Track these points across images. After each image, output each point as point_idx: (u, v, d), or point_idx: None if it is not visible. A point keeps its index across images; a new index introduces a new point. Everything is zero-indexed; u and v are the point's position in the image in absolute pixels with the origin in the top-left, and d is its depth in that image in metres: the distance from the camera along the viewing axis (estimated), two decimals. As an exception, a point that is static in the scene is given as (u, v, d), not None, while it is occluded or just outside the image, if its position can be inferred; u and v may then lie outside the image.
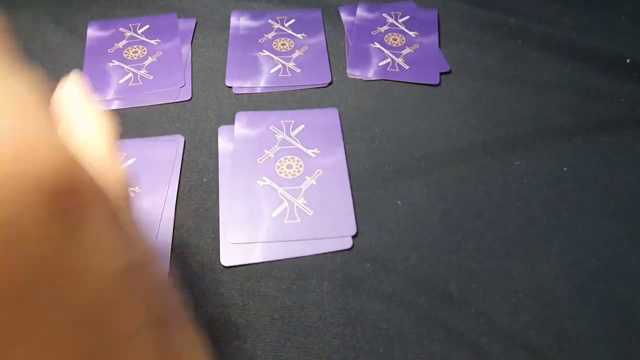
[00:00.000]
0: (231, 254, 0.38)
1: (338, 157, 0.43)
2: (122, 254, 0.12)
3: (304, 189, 0.41)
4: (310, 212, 0.39)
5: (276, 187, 0.41)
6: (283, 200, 0.40)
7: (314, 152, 0.43)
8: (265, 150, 0.43)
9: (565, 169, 0.43)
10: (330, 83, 0.49)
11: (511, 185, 0.42)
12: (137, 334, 0.12)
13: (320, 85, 0.49)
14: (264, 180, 0.41)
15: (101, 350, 0.11)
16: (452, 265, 0.37)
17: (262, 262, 0.37)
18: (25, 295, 0.10)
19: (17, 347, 0.10)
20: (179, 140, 0.45)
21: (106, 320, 0.11)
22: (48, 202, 0.10)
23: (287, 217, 0.39)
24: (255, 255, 0.38)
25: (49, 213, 0.10)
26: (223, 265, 0.37)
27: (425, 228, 0.39)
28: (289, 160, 0.42)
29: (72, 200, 0.11)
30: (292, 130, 0.45)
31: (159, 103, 0.48)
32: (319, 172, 0.42)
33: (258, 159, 0.43)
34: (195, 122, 0.46)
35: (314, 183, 0.41)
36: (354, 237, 0.38)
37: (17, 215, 0.10)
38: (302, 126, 0.45)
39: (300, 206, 0.40)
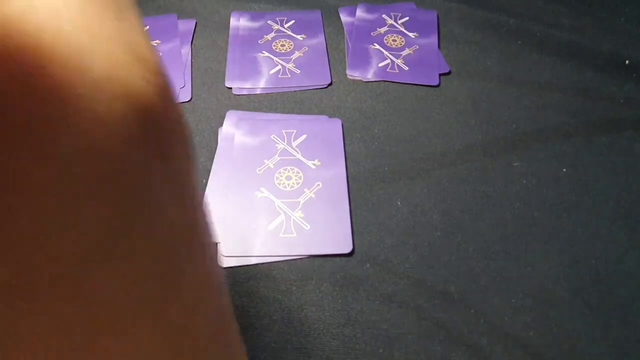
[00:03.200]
0: (228, 255, 0.38)
1: (338, 170, 0.42)
2: (198, 205, 0.13)
3: (302, 202, 0.40)
4: (307, 227, 0.39)
5: (274, 199, 0.40)
6: (280, 213, 0.39)
7: (314, 164, 0.42)
8: (265, 160, 0.43)
9: (564, 169, 0.43)
10: (330, 84, 0.49)
11: (511, 186, 0.42)
12: (205, 293, 0.13)
13: (320, 87, 0.49)
14: (262, 192, 0.41)
15: (174, 298, 0.12)
16: (452, 265, 0.37)
17: (262, 264, 0.37)
18: (122, 230, 0.10)
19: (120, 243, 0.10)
20: (179, 141, 0.45)
21: (183, 268, 0.12)
22: (147, 127, 0.11)
23: (283, 230, 0.39)
24: (253, 258, 0.37)
25: (147, 140, 0.11)
26: (222, 267, 0.37)
27: (425, 228, 0.39)
28: (289, 171, 0.42)
29: (166, 130, 0.11)
30: (293, 141, 0.44)
31: (158, 104, 0.48)
32: (318, 185, 0.41)
33: (257, 169, 0.42)
34: (194, 123, 0.46)
35: (313, 196, 0.40)
36: (348, 254, 0.38)
37: (116, 137, 0.10)
38: (304, 136, 0.44)
39: (297, 220, 0.39)
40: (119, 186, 0.10)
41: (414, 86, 0.49)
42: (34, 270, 0.09)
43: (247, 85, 0.49)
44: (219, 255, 0.15)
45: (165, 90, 0.11)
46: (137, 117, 0.10)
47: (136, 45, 0.11)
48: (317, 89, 0.49)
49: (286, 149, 0.44)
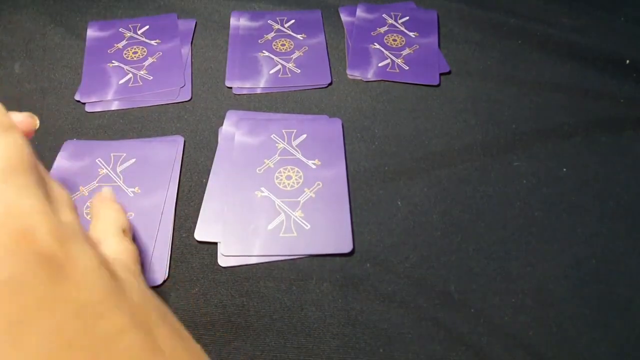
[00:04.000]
0: (228, 254, 0.38)
1: (339, 170, 0.42)
2: (96, 280, 0.16)
3: (302, 202, 0.40)
4: (307, 226, 0.39)
5: (274, 198, 0.40)
6: (280, 212, 0.39)
7: (314, 164, 0.42)
8: (265, 160, 0.43)
9: (564, 169, 0.43)
10: (330, 84, 0.49)
11: (511, 186, 0.42)
12: (123, 333, 0.15)
13: (320, 86, 0.49)
14: (262, 191, 0.41)
15: (92, 348, 0.14)
16: (452, 265, 0.37)
17: (262, 263, 0.37)
18: (32, 314, 0.14)
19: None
20: (179, 140, 0.45)
21: (91, 322, 0.14)
22: (37, 259, 0.15)
23: (283, 230, 0.38)
24: (253, 258, 0.37)
25: (39, 265, 0.14)
26: (221, 266, 0.37)
27: (425, 228, 0.39)
28: (289, 171, 0.42)
29: (56, 255, 0.15)
30: (293, 140, 0.44)
31: (158, 104, 0.48)
32: (318, 184, 0.41)
33: (257, 169, 0.42)
34: (195, 123, 0.46)
35: (313, 196, 0.40)
36: (348, 254, 0.38)
37: (13, 271, 0.14)
38: (304, 136, 0.44)
39: (297, 219, 0.39)
40: (19, 294, 0.14)
41: (414, 86, 0.49)
42: None
43: (247, 85, 0.49)
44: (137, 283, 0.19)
45: (52, 231, 0.15)
46: (26, 255, 0.14)
47: (20, 219, 0.15)
48: (317, 88, 0.49)
49: (286, 149, 0.44)
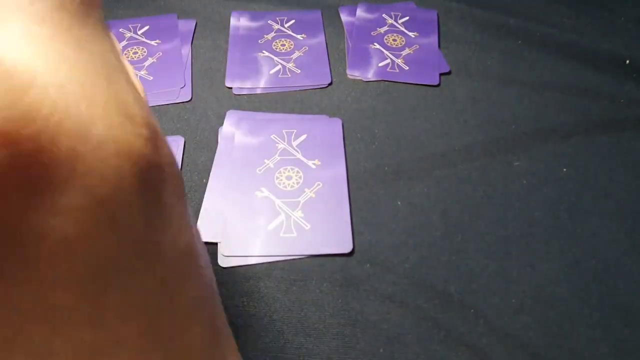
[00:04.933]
0: (228, 254, 0.38)
1: (338, 170, 0.42)
2: (188, 229, 0.13)
3: (302, 202, 0.40)
4: (307, 226, 0.39)
5: (274, 198, 0.40)
6: (280, 212, 0.39)
7: (314, 164, 0.42)
8: (265, 160, 0.43)
9: (565, 169, 0.43)
10: (330, 84, 0.49)
11: (511, 186, 0.42)
12: (196, 309, 0.13)
13: (320, 86, 0.49)
14: (262, 191, 0.41)
15: (169, 321, 0.12)
16: (452, 265, 0.37)
17: (262, 263, 0.37)
18: (121, 267, 0.11)
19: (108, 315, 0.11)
20: (179, 141, 0.45)
21: (176, 293, 0.12)
22: (141, 176, 0.11)
23: (283, 230, 0.39)
24: (253, 258, 0.37)
25: (141, 187, 0.11)
26: (221, 266, 0.37)
27: (425, 228, 0.39)
28: (289, 171, 0.42)
29: (157, 175, 0.12)
30: (293, 140, 0.44)
31: (158, 104, 0.48)
32: (318, 184, 0.41)
33: (257, 169, 0.42)
34: (195, 123, 0.46)
35: (313, 196, 0.40)
36: (348, 254, 0.38)
37: (116, 189, 0.11)
38: (304, 136, 0.44)
39: (297, 219, 0.39)
40: (118, 228, 0.11)
41: (414, 86, 0.49)
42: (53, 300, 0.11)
43: (247, 85, 0.49)
44: (210, 262, 0.16)
45: (154, 138, 0.12)
46: (131, 167, 0.11)
47: (126, 104, 0.12)
48: (317, 88, 0.49)
49: (286, 149, 0.44)
